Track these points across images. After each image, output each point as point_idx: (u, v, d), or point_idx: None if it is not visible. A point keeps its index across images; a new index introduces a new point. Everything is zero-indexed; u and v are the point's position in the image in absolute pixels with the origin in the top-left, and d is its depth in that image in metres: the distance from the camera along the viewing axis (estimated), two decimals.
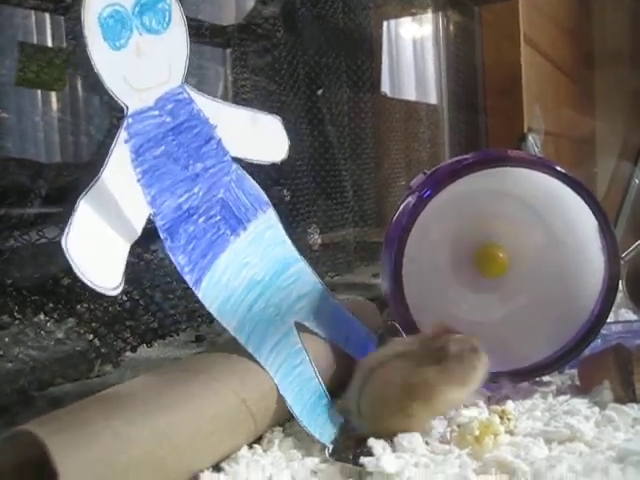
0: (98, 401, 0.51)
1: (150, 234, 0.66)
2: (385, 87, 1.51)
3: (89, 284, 0.52)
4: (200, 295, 0.61)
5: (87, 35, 0.56)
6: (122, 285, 0.55)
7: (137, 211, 0.58)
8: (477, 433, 0.61)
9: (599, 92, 2.35)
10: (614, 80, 2.23)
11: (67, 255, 0.51)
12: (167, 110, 0.63)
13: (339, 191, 1.21)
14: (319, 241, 1.16)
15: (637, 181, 1.60)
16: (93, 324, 0.82)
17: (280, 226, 0.70)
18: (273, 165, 1.04)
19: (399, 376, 0.61)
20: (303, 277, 0.71)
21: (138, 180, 0.59)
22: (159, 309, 0.87)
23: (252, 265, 0.66)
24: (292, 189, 1.10)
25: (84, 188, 0.55)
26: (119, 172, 0.57)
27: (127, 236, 0.57)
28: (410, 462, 0.57)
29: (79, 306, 0.81)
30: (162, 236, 0.60)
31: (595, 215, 0.72)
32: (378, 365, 0.63)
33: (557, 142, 1.89)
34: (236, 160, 0.68)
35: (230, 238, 0.65)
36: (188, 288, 0.85)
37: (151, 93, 0.61)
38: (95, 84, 0.58)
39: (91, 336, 0.80)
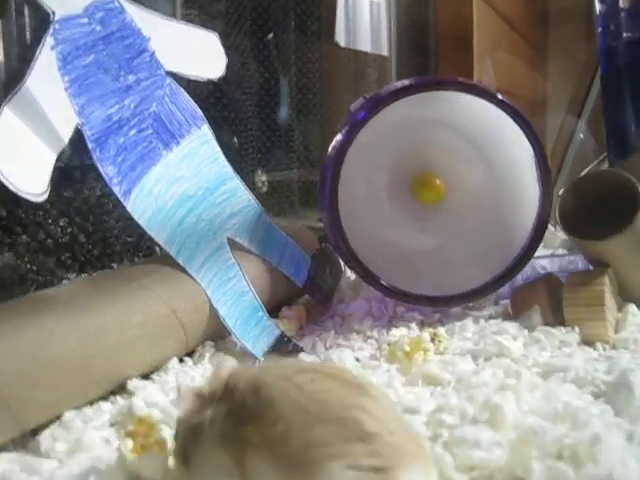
0: (24, 301, 0.51)
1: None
2: (339, 37, 1.50)
3: (13, 189, 0.51)
4: (129, 206, 0.60)
5: None
6: (47, 192, 0.54)
7: (64, 120, 0.57)
8: (407, 349, 0.62)
9: (552, 52, 2.37)
10: (567, 40, 2.24)
11: None
12: (97, 18, 0.61)
13: (285, 134, 1.21)
14: (265, 187, 1.16)
15: (581, 136, 1.61)
16: (29, 253, 0.81)
17: (215, 142, 0.70)
18: (221, 106, 1.04)
19: None
20: (237, 194, 0.70)
21: (66, 89, 0.58)
22: (98, 240, 0.86)
23: (184, 180, 0.65)
24: (237, 132, 1.10)
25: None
26: (45, 79, 0.56)
27: (53, 145, 0.56)
28: None
29: (18, 235, 0.80)
30: (90, 147, 0.59)
31: (532, 145, 0.73)
32: None
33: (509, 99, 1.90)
34: (171, 75, 0.67)
35: (162, 152, 0.64)
36: (124, 221, 0.85)
37: (80, 0, 0.60)
38: None
39: (28, 264, 0.80)
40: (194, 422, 0.36)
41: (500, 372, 0.56)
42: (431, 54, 1.69)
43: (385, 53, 1.62)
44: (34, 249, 0.81)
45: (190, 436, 0.36)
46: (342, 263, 0.81)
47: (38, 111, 0.55)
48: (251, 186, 1.10)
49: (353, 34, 1.59)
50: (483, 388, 0.51)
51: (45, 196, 0.53)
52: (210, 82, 0.84)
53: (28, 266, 0.79)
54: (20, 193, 0.51)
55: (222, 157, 0.70)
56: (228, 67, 0.74)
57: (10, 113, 0.53)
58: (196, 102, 0.71)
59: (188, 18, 1.05)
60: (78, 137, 0.59)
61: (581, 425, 0.44)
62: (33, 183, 0.53)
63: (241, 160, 1.07)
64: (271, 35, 1.24)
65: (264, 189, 1.13)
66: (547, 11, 2.40)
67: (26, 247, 0.80)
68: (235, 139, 1.10)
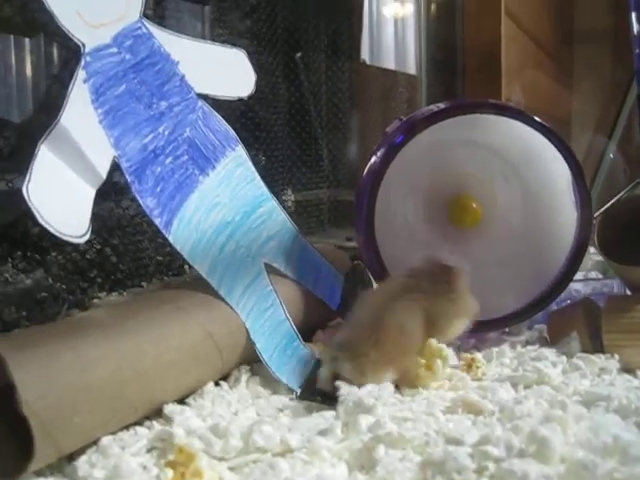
0: (61, 324, 0.51)
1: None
2: (364, 54, 1.50)
3: (55, 233, 0.50)
4: (171, 238, 0.59)
5: None
6: (89, 232, 0.53)
7: (101, 154, 0.56)
8: (424, 361, 0.61)
9: (578, 70, 2.36)
10: (593, 58, 2.23)
11: (29, 204, 0.49)
12: (126, 47, 0.60)
13: (314, 153, 1.21)
14: (294, 206, 1.15)
15: (611, 155, 1.60)
16: (61, 272, 0.81)
17: (250, 163, 0.69)
18: (250, 127, 1.04)
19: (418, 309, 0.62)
20: (273, 216, 0.70)
21: (100, 121, 0.57)
22: (128, 258, 0.86)
23: (222, 205, 0.65)
24: (265, 148, 1.09)
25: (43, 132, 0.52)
26: (79, 114, 0.55)
27: (92, 181, 0.55)
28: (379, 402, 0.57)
29: (48, 255, 0.80)
30: (129, 179, 0.58)
31: (570, 168, 0.72)
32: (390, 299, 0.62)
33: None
34: (202, 97, 0.67)
35: (199, 178, 0.64)
36: (154, 240, 0.85)
37: (108, 29, 0.59)
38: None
39: (59, 283, 0.79)
40: None
41: (543, 402, 0.55)
42: (459, 72, 1.69)
43: (413, 72, 1.62)
44: (65, 267, 0.81)
45: None
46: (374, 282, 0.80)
47: (74, 147, 0.54)
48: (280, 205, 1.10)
49: (377, 51, 1.59)
50: (527, 419, 0.50)
51: (87, 237, 0.53)
52: (239, 101, 0.84)
53: (59, 284, 0.79)
54: (62, 237, 0.50)
55: (258, 178, 0.69)
56: (257, 86, 0.73)
57: (47, 151, 0.52)
58: (225, 121, 0.70)
59: (217, 37, 1.06)
60: None
61: (632, 460, 0.43)
62: (74, 225, 0.52)
63: (271, 179, 1.06)
64: (300, 54, 1.24)
65: (293, 208, 1.12)
66: (572, 30, 2.39)
67: (57, 265, 0.80)
68: (262, 157, 1.10)
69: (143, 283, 0.89)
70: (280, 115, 1.14)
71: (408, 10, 1.63)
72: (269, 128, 1.10)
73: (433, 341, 0.62)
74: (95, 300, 0.82)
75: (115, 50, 0.59)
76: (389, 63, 1.62)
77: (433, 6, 1.64)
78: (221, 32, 1.06)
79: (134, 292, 0.87)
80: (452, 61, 1.68)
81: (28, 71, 0.87)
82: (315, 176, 1.20)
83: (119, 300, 0.84)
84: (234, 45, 1.07)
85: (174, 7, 1.01)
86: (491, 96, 1.61)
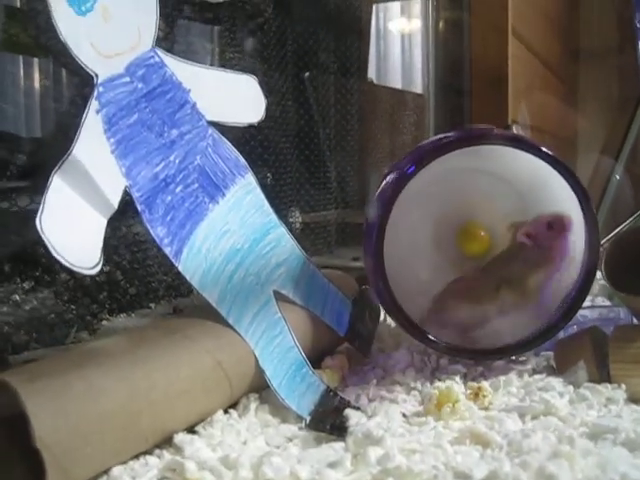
0: (72, 353, 0.51)
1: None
2: (372, 73, 1.51)
3: (67, 265, 0.50)
4: (180, 267, 0.59)
5: (50, 0, 0.53)
6: (101, 263, 0.53)
7: (112, 184, 0.56)
8: (435, 402, 0.62)
9: (583, 90, 2.36)
10: (599, 78, 2.24)
11: (42, 236, 0.49)
12: (138, 76, 0.60)
13: (322, 174, 1.21)
14: (301, 227, 1.16)
15: (617, 177, 1.60)
16: (70, 293, 0.81)
17: (259, 190, 0.69)
18: (257, 147, 1.05)
19: None
20: (282, 243, 0.70)
21: (112, 151, 0.57)
22: (136, 280, 0.86)
23: (232, 233, 0.65)
24: (274, 171, 1.10)
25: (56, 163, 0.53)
26: (92, 144, 0.55)
27: (104, 211, 0.55)
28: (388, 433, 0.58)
29: (56, 275, 0.80)
30: (139, 208, 0.58)
31: (576, 194, 0.72)
32: None
33: (540, 138, 1.89)
34: (212, 124, 0.67)
35: (209, 206, 0.64)
36: (161, 264, 0.85)
37: (121, 59, 0.59)
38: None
39: (67, 305, 0.80)
40: None
41: (551, 435, 0.55)
42: (466, 92, 1.69)
43: (420, 91, 1.63)
44: (74, 289, 0.81)
45: None
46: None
47: (87, 178, 0.54)
48: (288, 226, 1.11)
49: (384, 69, 1.60)
50: (535, 454, 0.50)
51: (98, 268, 0.53)
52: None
53: (67, 306, 0.80)
54: (74, 268, 0.51)
55: (267, 205, 0.69)
56: (265, 106, 0.74)
57: (60, 182, 0.52)
58: (231, 142, 0.70)
59: (228, 58, 1.07)
60: None
61: None
62: (86, 256, 0.52)
63: (278, 201, 1.07)
64: (307, 74, 1.25)
65: (300, 230, 1.13)
66: (578, 49, 2.39)
67: (66, 287, 0.80)
68: (269, 175, 1.10)
69: (151, 305, 0.89)
70: (288, 136, 1.15)
71: (415, 26, 1.63)
72: (277, 150, 1.10)
73: (454, 387, 0.64)
74: (104, 322, 0.83)
75: (128, 80, 0.60)
76: (396, 82, 1.63)
77: (440, 24, 1.65)
78: (231, 55, 1.06)
79: (142, 314, 0.88)
80: (459, 81, 1.69)
81: (38, 92, 0.88)
82: (323, 197, 1.20)
83: (127, 322, 0.84)
84: (243, 66, 1.08)
85: (184, 30, 1.02)
86: (498, 117, 1.62)
